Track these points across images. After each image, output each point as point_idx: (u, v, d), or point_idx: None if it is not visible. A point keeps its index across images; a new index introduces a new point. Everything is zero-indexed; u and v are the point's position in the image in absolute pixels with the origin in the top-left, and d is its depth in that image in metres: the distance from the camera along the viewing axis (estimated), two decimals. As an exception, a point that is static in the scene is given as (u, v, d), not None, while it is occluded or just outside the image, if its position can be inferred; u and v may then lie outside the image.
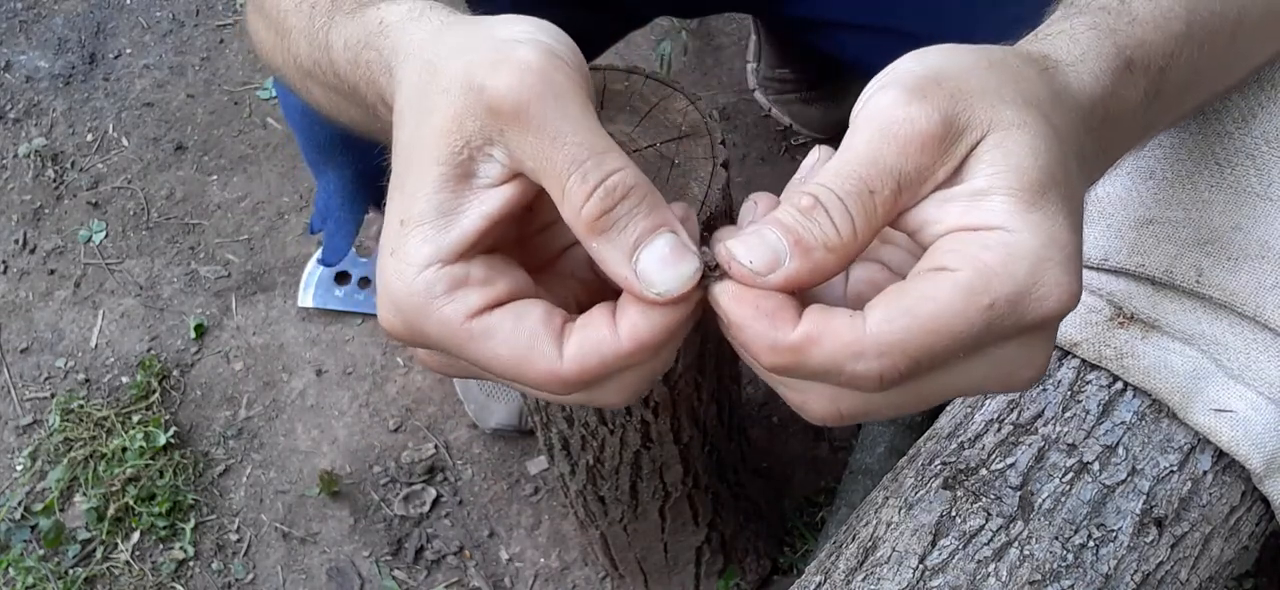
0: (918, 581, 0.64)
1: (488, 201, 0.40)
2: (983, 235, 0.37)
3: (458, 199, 0.40)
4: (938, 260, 0.37)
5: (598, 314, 0.40)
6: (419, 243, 0.39)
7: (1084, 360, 0.71)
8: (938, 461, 0.70)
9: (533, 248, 0.46)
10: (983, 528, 0.65)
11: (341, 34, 0.50)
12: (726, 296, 0.39)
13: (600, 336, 0.39)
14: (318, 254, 1.62)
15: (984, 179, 0.38)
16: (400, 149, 0.42)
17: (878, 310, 0.37)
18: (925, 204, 0.39)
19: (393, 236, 0.40)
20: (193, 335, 1.61)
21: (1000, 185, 0.37)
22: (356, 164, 0.95)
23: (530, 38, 0.41)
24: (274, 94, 1.81)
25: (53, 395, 1.57)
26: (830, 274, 0.38)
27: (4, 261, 1.71)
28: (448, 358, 0.42)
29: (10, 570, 1.44)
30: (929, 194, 0.39)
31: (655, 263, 0.38)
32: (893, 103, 0.38)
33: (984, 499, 0.66)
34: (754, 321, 0.38)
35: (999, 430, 0.70)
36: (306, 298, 1.61)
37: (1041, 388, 0.72)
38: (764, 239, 0.38)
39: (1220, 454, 0.68)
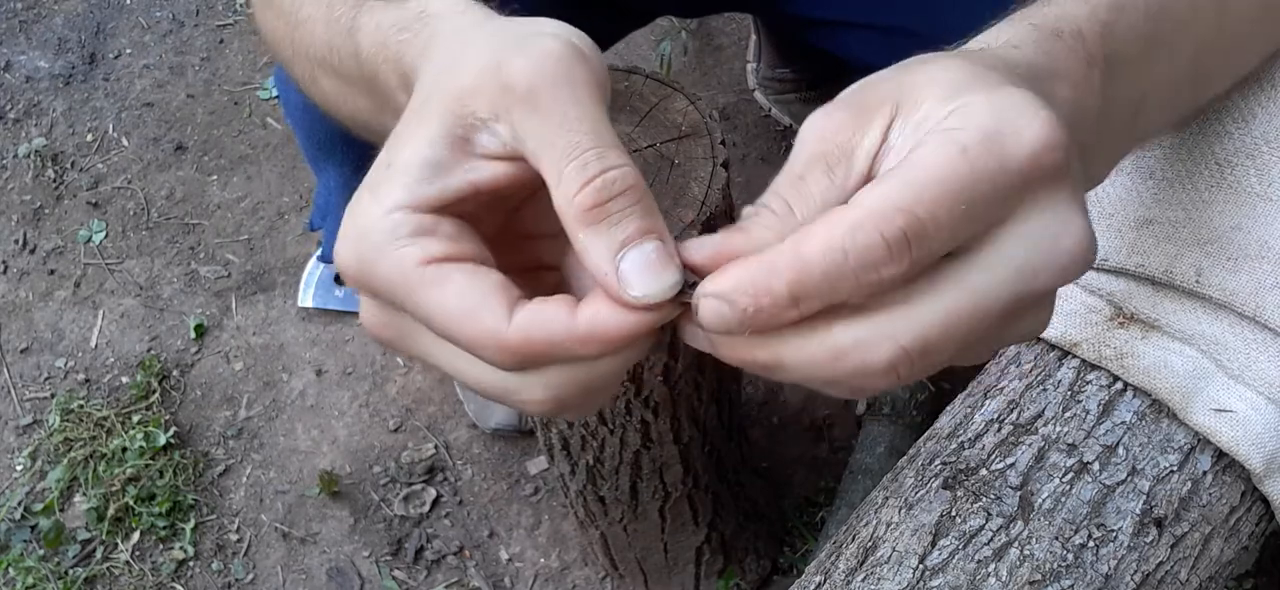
0: (918, 581, 0.64)
1: (477, 170, 0.40)
2: (934, 129, 0.38)
3: (450, 158, 0.40)
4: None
5: (558, 299, 0.39)
6: (397, 186, 0.39)
7: (1084, 360, 0.71)
8: (938, 461, 0.70)
9: (511, 253, 0.46)
10: (983, 528, 0.65)
11: (374, 17, 0.50)
12: (712, 282, 0.38)
13: (555, 314, 0.38)
14: (318, 252, 1.62)
15: (917, 115, 0.38)
16: (409, 108, 0.43)
17: (859, 194, 0.37)
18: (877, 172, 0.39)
19: (376, 175, 0.40)
20: (193, 335, 1.61)
21: (929, 96, 0.38)
22: (356, 160, 0.96)
23: (560, 33, 0.41)
24: (274, 94, 1.81)
25: (53, 395, 1.57)
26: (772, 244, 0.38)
27: (4, 261, 1.71)
28: (389, 313, 0.41)
29: (10, 570, 1.44)
30: (872, 164, 0.39)
31: (639, 265, 0.38)
32: (808, 119, 0.41)
33: (984, 499, 0.66)
34: (744, 264, 0.37)
35: (999, 430, 0.70)
36: (306, 298, 1.61)
37: (1041, 388, 0.72)
38: (710, 238, 0.39)
39: (1220, 454, 0.68)
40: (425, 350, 0.42)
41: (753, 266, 0.37)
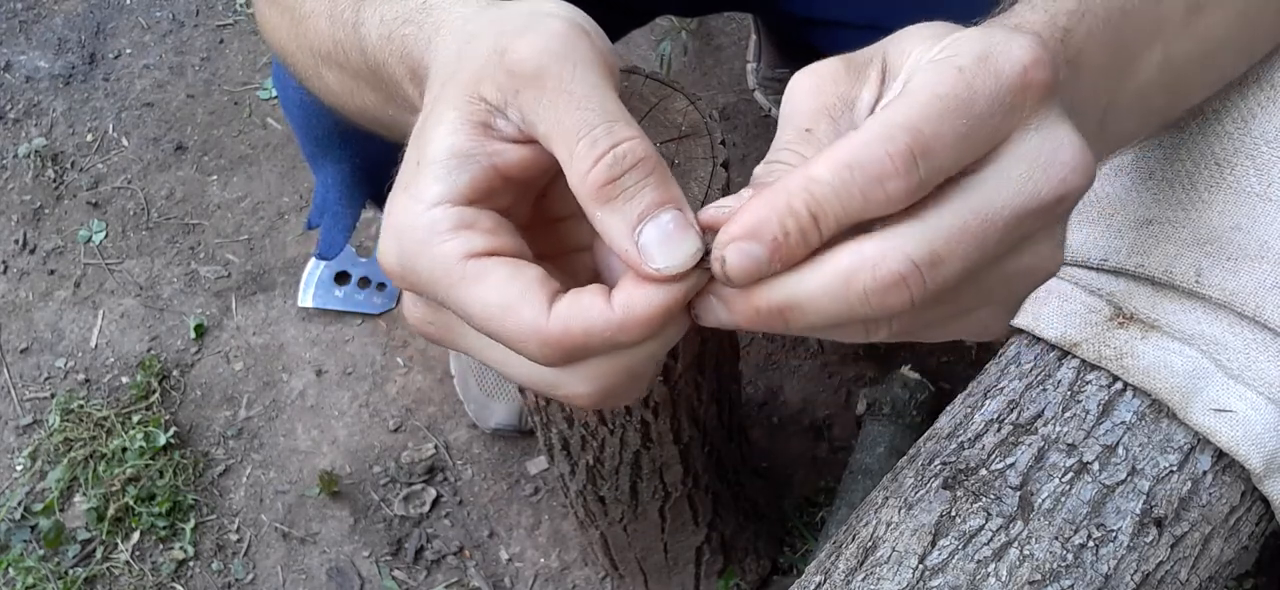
0: (918, 581, 0.64)
1: (502, 153, 0.40)
2: (929, 60, 0.39)
3: (474, 144, 0.40)
4: None
5: (594, 288, 0.39)
6: (431, 180, 0.40)
7: (1084, 360, 0.71)
8: (938, 461, 0.70)
9: (543, 240, 0.46)
10: (983, 528, 0.65)
11: (377, 11, 0.51)
12: (731, 225, 0.38)
13: (593, 303, 0.38)
14: (316, 251, 1.62)
15: (908, 62, 0.40)
16: (426, 106, 0.43)
17: (866, 122, 0.37)
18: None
19: (407, 174, 0.41)
20: (193, 335, 1.61)
21: (916, 47, 0.40)
22: (354, 158, 0.96)
23: (561, 12, 0.41)
24: (274, 94, 1.82)
25: (53, 395, 1.57)
26: None
27: (4, 261, 1.71)
28: (433, 310, 0.42)
29: (10, 570, 1.44)
30: (871, 115, 0.40)
31: (658, 238, 0.38)
32: (794, 78, 0.42)
33: (984, 499, 0.66)
34: (752, 204, 0.37)
35: (999, 430, 0.70)
36: (306, 298, 1.61)
37: (1041, 388, 0.72)
38: (728, 200, 0.40)
39: (1220, 454, 0.68)
40: (469, 346, 0.42)
41: (768, 198, 0.37)
